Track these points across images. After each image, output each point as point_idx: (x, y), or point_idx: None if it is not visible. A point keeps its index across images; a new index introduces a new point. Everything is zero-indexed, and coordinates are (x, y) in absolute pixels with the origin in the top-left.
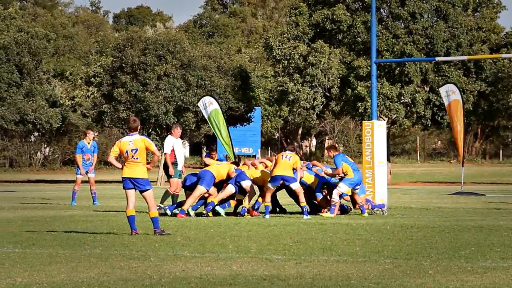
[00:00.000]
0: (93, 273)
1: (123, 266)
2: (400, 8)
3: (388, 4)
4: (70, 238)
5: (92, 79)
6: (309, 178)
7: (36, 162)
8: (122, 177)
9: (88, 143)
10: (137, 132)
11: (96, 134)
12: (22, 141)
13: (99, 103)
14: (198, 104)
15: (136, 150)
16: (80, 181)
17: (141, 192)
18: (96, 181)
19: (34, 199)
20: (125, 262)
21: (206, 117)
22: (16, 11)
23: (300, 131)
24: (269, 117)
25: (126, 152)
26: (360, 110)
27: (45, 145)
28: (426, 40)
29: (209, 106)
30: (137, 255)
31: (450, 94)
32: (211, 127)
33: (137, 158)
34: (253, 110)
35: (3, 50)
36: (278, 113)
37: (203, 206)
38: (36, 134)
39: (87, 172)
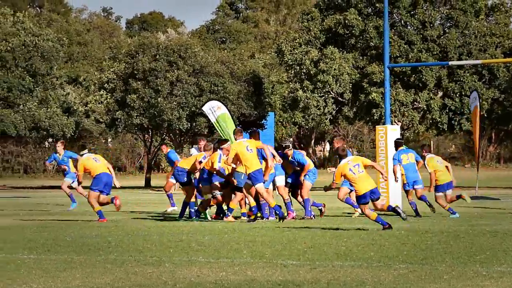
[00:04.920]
0: (108, 279)
1: (137, 272)
2: (410, 17)
3: (399, 11)
4: (85, 244)
5: (106, 85)
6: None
7: (50, 168)
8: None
9: (60, 154)
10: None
11: (110, 140)
12: (36, 147)
13: (113, 109)
14: (203, 108)
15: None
16: (67, 184)
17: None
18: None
19: (49, 205)
20: (140, 267)
21: (213, 121)
22: (23, 15)
23: (314, 136)
24: (283, 123)
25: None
26: (375, 117)
27: None
28: (439, 47)
29: (217, 110)
30: (151, 261)
31: (474, 101)
32: (218, 131)
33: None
34: (267, 115)
35: (11, 54)
36: (292, 119)
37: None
38: (50, 140)
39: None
